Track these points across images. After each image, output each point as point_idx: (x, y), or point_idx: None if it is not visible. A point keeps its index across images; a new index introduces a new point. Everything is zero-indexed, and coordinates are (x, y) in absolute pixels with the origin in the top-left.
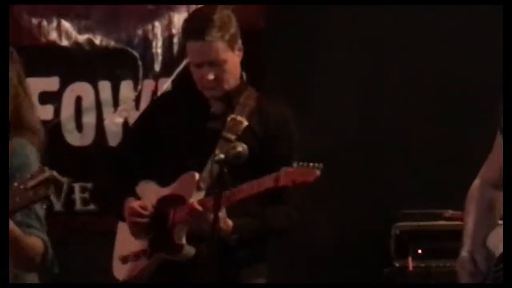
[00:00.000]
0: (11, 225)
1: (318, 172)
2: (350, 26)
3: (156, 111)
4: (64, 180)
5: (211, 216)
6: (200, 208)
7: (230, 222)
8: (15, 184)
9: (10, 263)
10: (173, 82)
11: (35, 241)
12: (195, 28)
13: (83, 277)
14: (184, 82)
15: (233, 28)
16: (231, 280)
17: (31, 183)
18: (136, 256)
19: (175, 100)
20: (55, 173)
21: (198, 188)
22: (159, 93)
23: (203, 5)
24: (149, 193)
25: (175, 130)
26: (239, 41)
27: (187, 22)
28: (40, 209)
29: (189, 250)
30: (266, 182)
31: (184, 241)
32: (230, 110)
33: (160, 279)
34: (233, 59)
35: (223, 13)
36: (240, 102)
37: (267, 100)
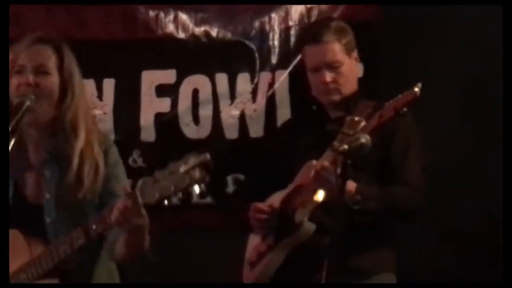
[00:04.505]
0: (144, 212)
1: (417, 90)
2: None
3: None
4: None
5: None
6: (327, 164)
7: (353, 184)
8: (165, 171)
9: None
10: (290, 74)
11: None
12: (313, 32)
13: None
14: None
15: (349, 36)
16: (354, 268)
17: (184, 168)
18: (262, 254)
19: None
20: (208, 157)
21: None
22: (276, 85)
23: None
24: (274, 198)
25: (295, 135)
26: (356, 51)
27: (304, 29)
28: (122, 172)
29: (309, 226)
30: (372, 123)
31: (304, 218)
32: (348, 115)
33: (288, 271)
34: (349, 64)
35: (340, 23)
36: (358, 109)
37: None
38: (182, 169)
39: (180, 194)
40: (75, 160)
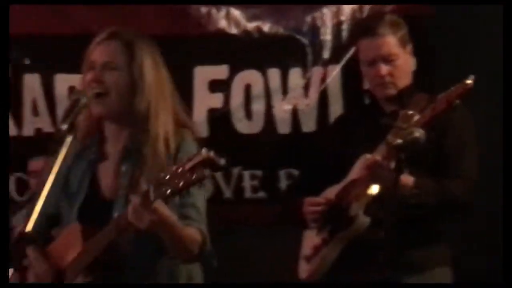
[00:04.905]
0: (167, 211)
1: (469, 82)
2: None
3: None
4: (222, 161)
5: (390, 171)
6: (379, 158)
7: (410, 177)
8: (173, 167)
9: (169, 251)
10: (342, 69)
11: (193, 232)
12: (368, 26)
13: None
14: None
15: (404, 30)
16: (409, 263)
17: (189, 165)
18: (317, 248)
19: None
20: (212, 154)
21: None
22: (328, 80)
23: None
24: (328, 192)
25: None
26: (410, 45)
27: (359, 23)
28: (199, 200)
29: (364, 219)
30: (426, 116)
31: (358, 212)
32: (402, 109)
33: (343, 265)
34: (404, 57)
35: (394, 17)
36: (412, 102)
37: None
38: (188, 166)
39: (199, 193)
40: (148, 155)
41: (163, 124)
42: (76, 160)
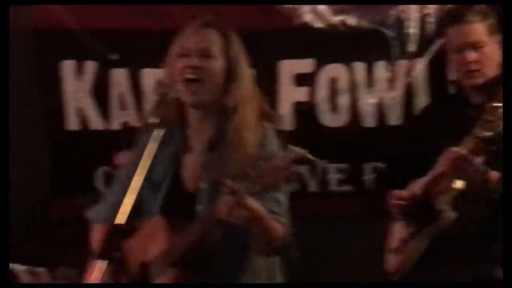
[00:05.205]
0: (256, 205)
1: None
2: None
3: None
4: (315, 159)
5: (477, 166)
6: (465, 153)
7: (497, 173)
8: (264, 163)
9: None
10: (427, 61)
11: (276, 225)
12: (456, 13)
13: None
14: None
15: (492, 19)
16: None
17: (282, 162)
18: (405, 241)
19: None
20: (306, 153)
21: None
22: (413, 73)
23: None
24: (414, 185)
25: (434, 122)
26: (498, 35)
27: (447, 12)
28: (282, 194)
29: (450, 214)
30: None
31: (444, 206)
32: (489, 101)
33: (430, 259)
34: (492, 46)
35: (483, 6)
36: (499, 94)
37: None
38: (280, 163)
39: (283, 187)
40: (232, 147)
41: (248, 115)
42: (160, 151)
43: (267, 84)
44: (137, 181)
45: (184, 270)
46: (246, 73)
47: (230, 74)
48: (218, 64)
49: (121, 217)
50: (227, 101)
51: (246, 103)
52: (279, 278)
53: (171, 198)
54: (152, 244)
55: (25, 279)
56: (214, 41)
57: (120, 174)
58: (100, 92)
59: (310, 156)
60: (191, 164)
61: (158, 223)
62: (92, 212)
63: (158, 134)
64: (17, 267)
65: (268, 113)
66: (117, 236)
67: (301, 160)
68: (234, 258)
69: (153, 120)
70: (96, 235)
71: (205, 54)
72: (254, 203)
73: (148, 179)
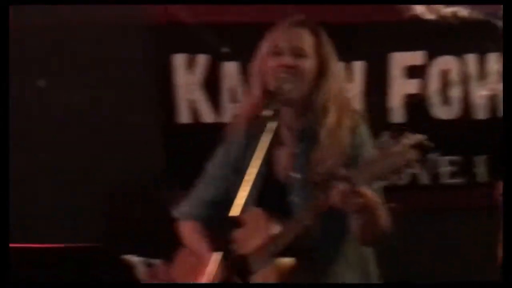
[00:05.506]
0: (370, 192)
1: None
2: None
3: None
4: (432, 145)
5: None
6: None
7: None
8: (377, 152)
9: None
10: None
11: (384, 213)
12: None
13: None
14: None
15: None
16: None
17: (398, 148)
18: None
19: None
20: (423, 137)
21: None
22: None
23: None
24: None
25: None
26: None
27: None
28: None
29: None
30: None
31: None
32: None
33: None
34: None
35: None
36: None
37: None
38: (396, 149)
39: (394, 175)
40: (323, 140)
41: (339, 108)
42: (249, 144)
43: (378, 76)
44: (251, 173)
45: (290, 261)
46: (336, 70)
47: (321, 72)
48: (310, 63)
49: (236, 209)
50: (317, 98)
51: (337, 97)
52: (372, 268)
53: (264, 190)
54: (253, 235)
55: (141, 270)
56: (306, 40)
57: (207, 168)
58: (212, 85)
59: (427, 142)
60: (282, 156)
61: (258, 215)
62: (179, 210)
63: (272, 126)
64: (133, 259)
65: (354, 110)
66: (231, 228)
67: (419, 146)
68: (336, 244)
69: (267, 112)
70: (185, 232)
71: (298, 53)
72: (367, 191)
73: (239, 171)
